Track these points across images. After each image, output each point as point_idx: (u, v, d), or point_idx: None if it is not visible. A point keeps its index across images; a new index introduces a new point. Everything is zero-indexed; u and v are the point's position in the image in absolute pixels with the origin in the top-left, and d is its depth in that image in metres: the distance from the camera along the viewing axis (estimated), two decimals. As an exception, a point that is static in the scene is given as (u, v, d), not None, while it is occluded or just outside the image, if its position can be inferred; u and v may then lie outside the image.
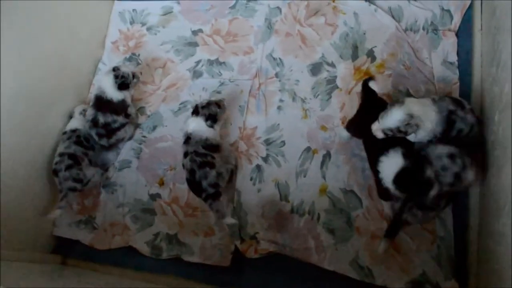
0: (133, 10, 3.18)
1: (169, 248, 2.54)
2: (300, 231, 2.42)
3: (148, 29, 3.11)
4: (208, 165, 2.38)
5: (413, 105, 2.04)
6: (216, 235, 2.52)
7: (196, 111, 2.50)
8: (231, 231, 2.47)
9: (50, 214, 2.53)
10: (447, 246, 2.24)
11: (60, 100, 2.74)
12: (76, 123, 2.72)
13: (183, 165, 2.46)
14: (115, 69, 2.64)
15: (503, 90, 1.92)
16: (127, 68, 2.68)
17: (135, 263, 2.55)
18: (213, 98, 2.62)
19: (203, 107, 2.48)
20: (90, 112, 2.64)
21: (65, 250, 2.70)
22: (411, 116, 1.99)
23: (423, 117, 2.02)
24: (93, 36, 3.04)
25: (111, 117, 2.63)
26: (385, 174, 2.05)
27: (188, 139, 2.46)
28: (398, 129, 2.02)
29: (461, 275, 2.18)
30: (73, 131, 2.68)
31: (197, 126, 2.46)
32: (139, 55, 3.05)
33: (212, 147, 2.45)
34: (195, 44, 2.98)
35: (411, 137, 2.12)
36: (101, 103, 2.62)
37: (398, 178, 1.98)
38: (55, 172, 2.56)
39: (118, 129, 2.68)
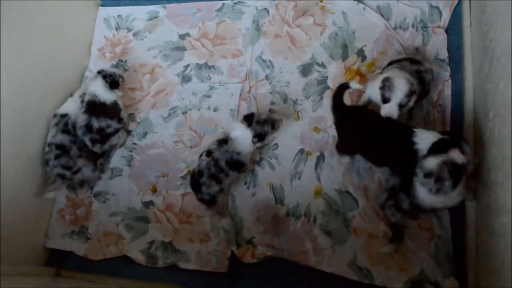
0: (118, 16, 3.13)
1: (165, 256, 2.51)
2: (297, 234, 2.41)
3: (135, 34, 3.06)
4: (216, 181, 2.34)
5: (401, 72, 2.18)
6: (212, 241, 2.49)
7: (249, 121, 2.38)
8: (227, 237, 2.44)
9: (46, 195, 2.56)
10: (445, 244, 2.24)
11: (47, 110, 2.68)
12: (69, 107, 2.68)
13: (201, 155, 2.41)
14: (100, 72, 2.63)
15: (497, 87, 1.92)
16: (111, 69, 2.71)
17: (130, 272, 2.52)
18: (272, 115, 2.53)
19: (258, 123, 2.37)
20: (83, 118, 2.59)
21: (59, 262, 2.66)
22: (408, 79, 2.10)
23: (396, 84, 2.11)
24: (79, 43, 2.99)
25: (105, 122, 2.59)
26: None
27: (224, 141, 2.38)
28: (408, 95, 2.10)
29: (460, 272, 2.18)
30: (63, 116, 2.64)
31: (242, 136, 2.36)
32: (126, 61, 3.01)
33: (237, 164, 2.38)
34: (183, 49, 2.95)
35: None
36: (94, 108, 2.58)
37: None
38: (46, 162, 2.58)
39: (112, 134, 2.63)
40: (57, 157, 2.54)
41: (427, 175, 1.91)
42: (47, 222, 2.72)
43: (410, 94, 2.09)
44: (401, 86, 2.08)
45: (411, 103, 2.17)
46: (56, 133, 2.59)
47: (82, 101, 2.67)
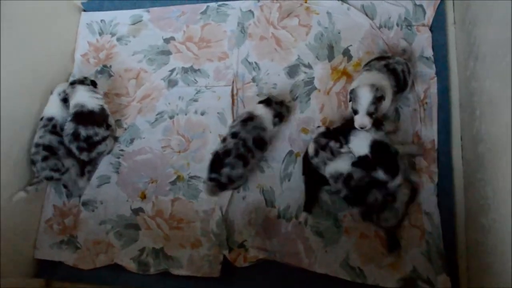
0: (101, 20, 3.09)
1: (156, 263, 2.49)
2: (289, 236, 2.40)
3: (118, 39, 3.03)
4: (244, 161, 2.32)
5: (366, 79, 2.21)
6: (203, 246, 2.48)
7: (268, 102, 2.43)
8: (218, 241, 2.43)
9: (14, 196, 2.48)
10: (435, 241, 2.25)
11: (32, 119, 2.64)
12: (53, 109, 2.66)
13: (224, 139, 2.40)
14: (73, 82, 2.63)
15: (483, 85, 1.93)
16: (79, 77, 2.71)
17: (122, 280, 2.50)
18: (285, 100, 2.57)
19: (276, 103, 2.44)
20: (70, 126, 2.55)
21: (49, 273, 2.63)
22: (373, 85, 2.13)
23: (383, 84, 2.18)
24: (62, 50, 2.94)
25: (93, 130, 2.55)
26: None
27: (249, 119, 2.38)
28: (375, 102, 2.13)
29: (452, 269, 2.19)
30: (49, 119, 2.62)
31: (265, 114, 2.40)
32: (110, 66, 2.97)
33: (261, 142, 2.39)
34: (168, 53, 2.92)
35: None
36: (82, 117, 2.55)
37: None
38: (33, 162, 2.56)
39: (99, 142, 2.60)
40: (44, 159, 2.52)
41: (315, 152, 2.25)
42: (35, 232, 2.68)
43: (376, 101, 2.12)
44: (364, 95, 2.12)
45: (384, 107, 2.22)
46: (44, 134, 2.57)
47: (62, 99, 2.66)
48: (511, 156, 1.57)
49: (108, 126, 2.66)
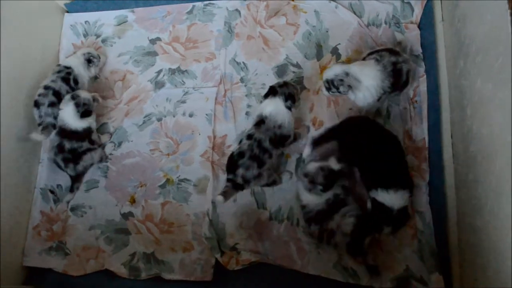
0: (86, 22, 3.03)
1: (148, 268, 2.46)
2: (281, 238, 2.39)
3: (103, 41, 2.97)
4: (258, 163, 2.29)
5: (353, 66, 2.28)
6: (195, 249, 2.46)
7: (273, 91, 2.36)
8: (210, 244, 2.41)
9: (32, 135, 2.54)
10: (428, 240, 2.26)
11: (14, 127, 2.57)
12: (73, 62, 2.71)
13: (240, 141, 2.37)
14: (74, 97, 2.53)
15: (473, 84, 1.92)
16: (86, 94, 2.57)
17: (113, 286, 2.46)
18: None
19: (280, 86, 2.37)
20: (54, 139, 2.55)
21: (38, 280, 2.56)
22: (346, 73, 2.23)
23: (361, 78, 2.24)
24: (46, 53, 2.85)
25: (77, 144, 2.54)
26: None
27: (261, 122, 2.34)
28: (333, 83, 2.26)
29: (445, 267, 2.20)
30: (67, 67, 2.67)
31: (275, 108, 2.32)
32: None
33: (281, 139, 2.36)
34: (154, 54, 2.87)
35: (359, 99, 2.33)
36: (65, 133, 2.54)
37: None
38: (37, 104, 2.57)
39: (84, 152, 2.57)
40: (51, 104, 2.55)
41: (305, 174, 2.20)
42: (23, 239, 2.63)
43: (335, 82, 2.27)
44: (334, 68, 2.30)
45: (342, 93, 2.31)
46: (56, 79, 2.61)
47: (86, 60, 2.73)
48: (504, 159, 1.56)
49: (92, 142, 2.63)
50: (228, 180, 2.34)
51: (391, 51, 2.33)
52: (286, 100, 2.33)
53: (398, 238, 2.27)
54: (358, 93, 2.28)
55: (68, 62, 2.71)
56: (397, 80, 2.28)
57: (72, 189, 2.66)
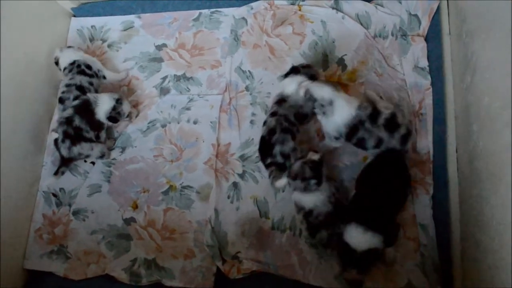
0: (92, 26, 3.04)
1: (149, 274, 2.46)
2: (283, 248, 2.38)
3: (109, 45, 2.98)
4: (291, 135, 2.28)
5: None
6: (196, 257, 2.45)
7: (296, 70, 2.37)
8: (212, 252, 2.41)
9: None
10: (430, 253, 2.24)
11: (17, 132, 2.59)
12: (72, 55, 2.73)
13: (265, 122, 2.36)
14: (118, 101, 2.57)
15: (480, 101, 1.91)
16: (128, 107, 2.63)
17: (114, 291, 2.46)
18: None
19: (304, 67, 2.38)
20: (68, 111, 2.54)
21: (38, 284, 2.58)
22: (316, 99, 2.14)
23: (335, 111, 2.14)
24: (52, 57, 2.83)
25: (85, 126, 2.53)
26: None
27: (282, 101, 2.35)
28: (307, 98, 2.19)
29: (447, 282, 2.19)
30: (72, 63, 2.70)
31: (296, 89, 2.29)
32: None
33: (303, 117, 2.36)
34: (160, 60, 2.88)
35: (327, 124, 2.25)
36: (83, 110, 2.54)
37: None
38: (62, 100, 2.63)
39: (86, 140, 2.55)
40: (76, 98, 2.60)
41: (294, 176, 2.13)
42: (24, 242, 2.64)
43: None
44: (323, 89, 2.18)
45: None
46: (73, 76, 2.67)
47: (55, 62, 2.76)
48: (511, 180, 1.55)
49: (98, 137, 2.62)
50: (268, 165, 2.33)
51: (372, 114, 2.17)
52: (309, 79, 2.31)
53: (400, 251, 2.25)
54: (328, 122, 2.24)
55: (67, 60, 2.72)
56: (350, 134, 2.20)
57: (56, 172, 2.63)
